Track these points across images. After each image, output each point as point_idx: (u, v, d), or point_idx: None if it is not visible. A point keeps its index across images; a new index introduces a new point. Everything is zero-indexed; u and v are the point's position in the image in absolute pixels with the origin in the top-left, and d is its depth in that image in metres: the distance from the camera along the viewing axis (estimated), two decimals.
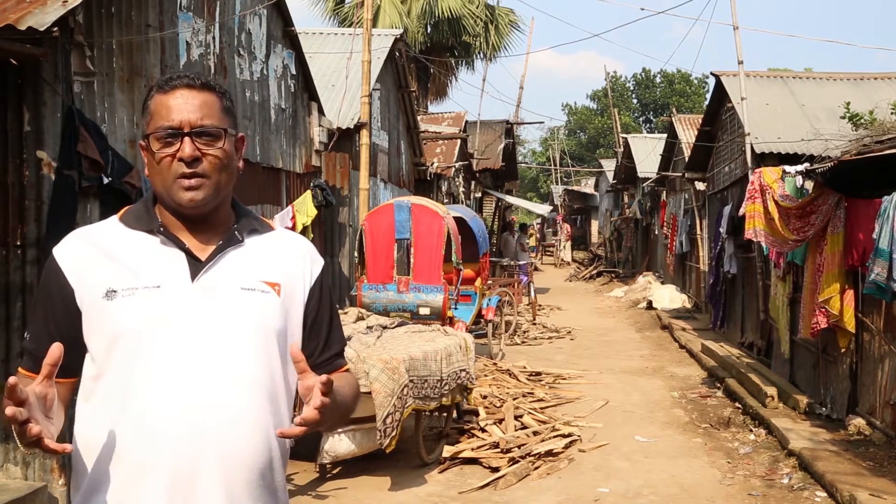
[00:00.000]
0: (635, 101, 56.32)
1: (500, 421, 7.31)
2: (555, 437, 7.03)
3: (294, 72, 9.13)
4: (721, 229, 11.98)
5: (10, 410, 1.44)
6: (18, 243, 4.84)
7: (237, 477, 1.71)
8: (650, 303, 17.89)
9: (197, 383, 1.69)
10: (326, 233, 10.24)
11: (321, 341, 1.91)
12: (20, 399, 1.46)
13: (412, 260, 8.51)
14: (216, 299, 1.76)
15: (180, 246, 1.78)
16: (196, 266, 1.77)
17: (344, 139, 10.56)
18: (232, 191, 1.86)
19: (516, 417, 7.44)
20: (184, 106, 1.75)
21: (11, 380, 1.45)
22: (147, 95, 1.82)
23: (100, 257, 1.76)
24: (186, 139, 1.73)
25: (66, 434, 1.85)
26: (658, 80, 54.70)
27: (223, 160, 1.77)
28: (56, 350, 1.53)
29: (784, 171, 7.68)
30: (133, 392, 1.69)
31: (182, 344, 1.70)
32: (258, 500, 1.75)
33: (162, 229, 1.79)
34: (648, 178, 22.12)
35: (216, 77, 6.95)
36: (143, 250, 1.77)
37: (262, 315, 1.78)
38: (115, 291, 1.71)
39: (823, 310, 7.26)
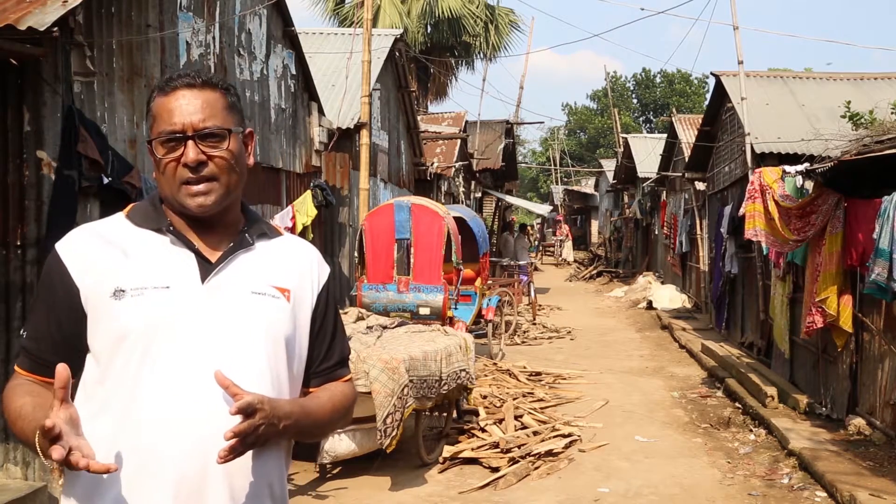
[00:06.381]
0: (635, 101, 56.31)
1: (500, 421, 7.31)
2: (555, 437, 7.03)
3: (294, 72, 9.13)
4: (722, 229, 11.98)
5: (56, 454, 1.43)
6: (18, 243, 4.84)
7: (244, 486, 1.66)
8: (650, 303, 17.90)
9: (204, 389, 1.63)
10: (326, 233, 10.24)
11: (323, 350, 1.87)
12: (57, 437, 1.44)
13: (412, 260, 8.51)
14: (226, 302, 1.71)
15: (190, 247, 1.73)
16: (206, 268, 1.73)
17: (344, 139, 10.56)
18: (242, 192, 1.81)
19: (516, 417, 7.44)
20: (185, 108, 1.69)
21: (48, 423, 1.43)
22: (149, 97, 1.77)
23: (106, 255, 1.70)
24: (190, 143, 1.68)
25: None
26: (658, 80, 54.69)
27: (230, 161, 1.73)
28: (63, 372, 1.50)
29: (784, 171, 7.69)
30: (139, 396, 1.63)
31: (190, 347, 1.66)
32: None
33: (171, 229, 1.74)
34: (648, 178, 22.12)
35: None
36: (151, 249, 1.72)
37: (271, 320, 1.74)
38: (123, 291, 1.66)
39: (820, 309, 7.27)
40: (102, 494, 1.62)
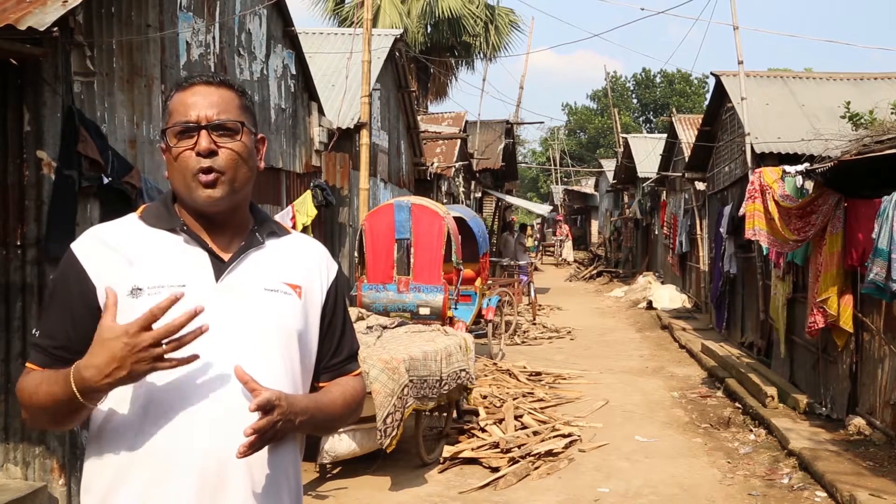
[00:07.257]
0: (635, 101, 56.31)
1: (500, 421, 7.31)
2: (555, 437, 7.03)
3: (294, 72, 9.13)
4: (721, 229, 11.98)
5: (169, 348, 1.58)
6: (18, 243, 4.83)
7: (264, 478, 1.71)
8: (650, 303, 17.90)
9: (222, 386, 1.68)
10: (326, 233, 10.24)
11: (333, 345, 1.92)
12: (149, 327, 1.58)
13: (412, 260, 8.51)
14: (241, 300, 1.76)
15: (203, 246, 1.77)
16: (220, 266, 1.77)
17: (344, 139, 10.56)
18: (250, 192, 1.85)
19: (516, 417, 7.44)
20: (201, 102, 1.75)
21: (155, 307, 1.58)
22: (167, 96, 1.83)
23: (122, 255, 1.74)
24: (203, 133, 1.73)
25: (80, 434, 1.82)
26: (658, 80, 54.69)
27: (241, 154, 1.77)
28: (112, 293, 1.63)
29: (784, 171, 7.69)
30: (157, 393, 1.67)
31: (206, 345, 1.68)
32: (282, 502, 1.76)
33: (185, 228, 1.78)
34: (648, 178, 22.13)
35: None
36: (166, 249, 1.76)
37: (284, 316, 1.80)
38: (140, 289, 1.70)
39: (821, 310, 7.27)
40: (125, 488, 1.66)
